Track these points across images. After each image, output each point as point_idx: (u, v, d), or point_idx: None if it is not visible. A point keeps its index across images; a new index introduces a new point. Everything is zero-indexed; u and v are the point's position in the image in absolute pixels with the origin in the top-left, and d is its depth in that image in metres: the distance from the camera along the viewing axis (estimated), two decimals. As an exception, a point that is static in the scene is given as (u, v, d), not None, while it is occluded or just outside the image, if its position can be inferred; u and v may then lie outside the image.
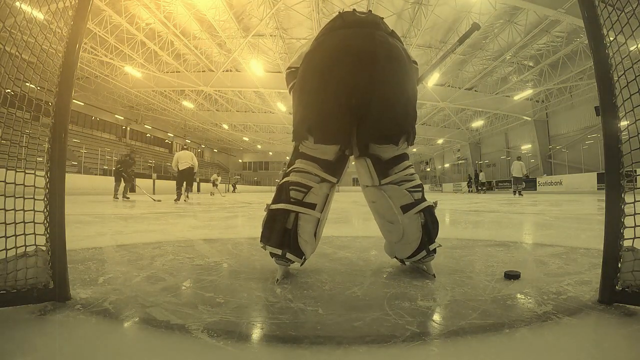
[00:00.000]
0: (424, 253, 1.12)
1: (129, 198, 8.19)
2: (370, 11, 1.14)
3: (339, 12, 1.15)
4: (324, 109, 1.04)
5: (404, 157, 1.17)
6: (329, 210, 1.17)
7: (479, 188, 20.70)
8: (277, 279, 1.09)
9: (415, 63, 1.22)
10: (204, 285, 1.05)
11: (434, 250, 1.13)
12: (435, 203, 1.18)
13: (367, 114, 1.03)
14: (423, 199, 1.15)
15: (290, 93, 1.24)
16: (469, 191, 21.59)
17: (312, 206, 1.09)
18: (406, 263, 1.29)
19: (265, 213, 1.13)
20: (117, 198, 8.27)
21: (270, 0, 12.02)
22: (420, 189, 1.17)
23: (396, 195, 1.13)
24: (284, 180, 1.13)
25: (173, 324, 0.74)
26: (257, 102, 24.13)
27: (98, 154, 18.68)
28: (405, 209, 1.12)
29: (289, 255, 1.07)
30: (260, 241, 1.13)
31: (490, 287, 1.01)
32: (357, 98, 1.00)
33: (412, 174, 1.17)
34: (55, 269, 0.85)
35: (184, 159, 7.90)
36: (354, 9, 1.15)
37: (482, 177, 21.16)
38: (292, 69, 1.22)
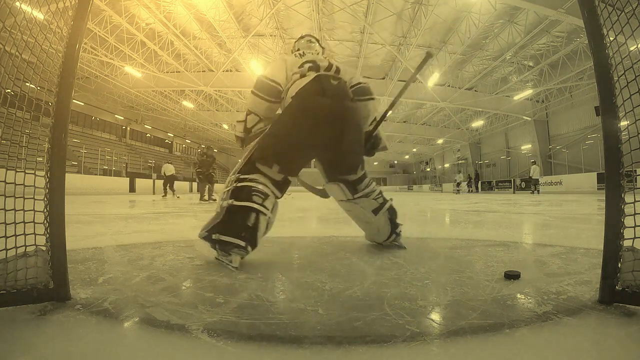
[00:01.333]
0: (393, 236, 1.63)
1: (215, 200, 7.99)
2: (340, 79, 1.46)
3: (317, 75, 1.42)
4: (300, 153, 1.39)
5: (364, 176, 1.59)
6: (275, 217, 1.42)
7: (456, 189, 20.45)
8: (237, 267, 1.24)
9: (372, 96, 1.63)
10: (204, 285, 1.05)
11: (400, 231, 1.65)
12: (391, 199, 1.64)
13: (336, 159, 1.46)
14: (385, 201, 1.61)
15: (254, 96, 1.48)
16: (469, 191, 21.55)
17: (267, 210, 1.32)
18: (383, 244, 1.69)
19: (223, 206, 1.29)
20: (208, 200, 8.15)
21: (270, 0, 12.02)
22: (381, 194, 1.61)
23: (367, 204, 1.58)
24: (244, 184, 1.31)
25: (173, 324, 0.74)
26: (257, 102, 24.08)
27: (98, 154, 18.69)
28: (375, 211, 1.58)
29: (249, 248, 1.24)
30: (211, 231, 1.27)
31: (490, 287, 1.01)
32: (330, 148, 1.38)
33: (374, 186, 1.61)
34: (55, 269, 0.85)
35: (171, 170, 11.88)
36: (330, 76, 1.43)
37: (459, 177, 21.03)
38: (268, 81, 1.45)
